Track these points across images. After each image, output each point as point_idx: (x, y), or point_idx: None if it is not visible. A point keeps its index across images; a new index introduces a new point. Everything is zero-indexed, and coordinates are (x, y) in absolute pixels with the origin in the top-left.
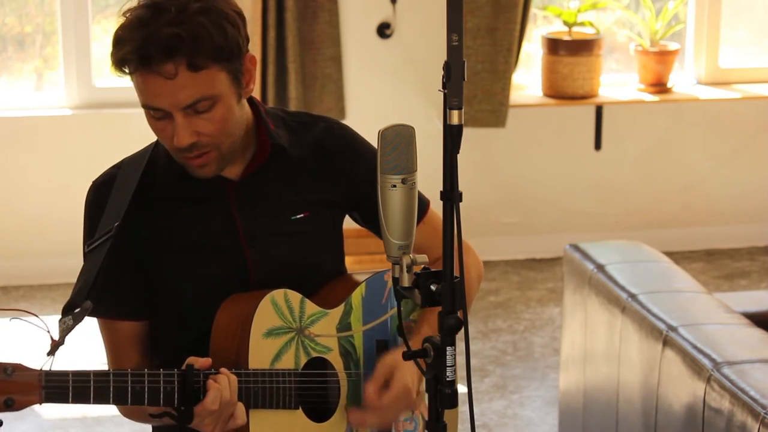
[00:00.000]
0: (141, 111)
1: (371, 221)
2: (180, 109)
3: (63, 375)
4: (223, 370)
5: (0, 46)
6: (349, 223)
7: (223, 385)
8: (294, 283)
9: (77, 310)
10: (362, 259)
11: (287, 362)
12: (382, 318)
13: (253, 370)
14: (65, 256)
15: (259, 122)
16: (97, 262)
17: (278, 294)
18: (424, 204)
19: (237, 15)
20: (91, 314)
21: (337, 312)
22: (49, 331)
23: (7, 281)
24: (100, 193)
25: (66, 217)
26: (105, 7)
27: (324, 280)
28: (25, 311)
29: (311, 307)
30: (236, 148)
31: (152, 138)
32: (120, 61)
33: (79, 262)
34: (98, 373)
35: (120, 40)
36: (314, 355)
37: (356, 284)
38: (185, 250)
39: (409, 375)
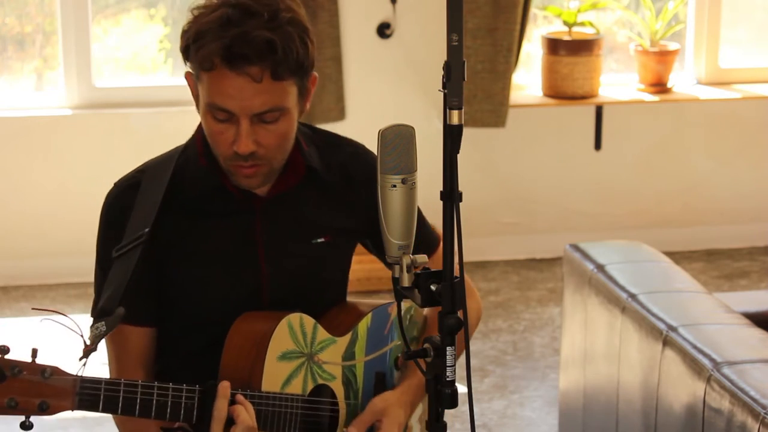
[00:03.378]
0: (141, 111)
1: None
2: (249, 116)
3: (96, 383)
4: (240, 398)
5: (0, 46)
6: None
7: (244, 412)
8: (303, 304)
9: (110, 317)
10: (362, 258)
11: (296, 387)
12: (382, 350)
13: (266, 393)
14: (65, 256)
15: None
16: (129, 268)
17: (294, 318)
18: (435, 240)
19: (311, 33)
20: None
21: (344, 340)
22: (82, 335)
23: (7, 281)
24: (125, 196)
25: (66, 217)
26: (105, 7)
27: (328, 304)
28: (59, 312)
29: (322, 334)
30: (282, 165)
31: (151, 138)
32: (203, 55)
33: (79, 262)
34: (128, 384)
35: (204, 34)
36: (320, 381)
37: (362, 313)
38: (204, 261)
39: (398, 422)
